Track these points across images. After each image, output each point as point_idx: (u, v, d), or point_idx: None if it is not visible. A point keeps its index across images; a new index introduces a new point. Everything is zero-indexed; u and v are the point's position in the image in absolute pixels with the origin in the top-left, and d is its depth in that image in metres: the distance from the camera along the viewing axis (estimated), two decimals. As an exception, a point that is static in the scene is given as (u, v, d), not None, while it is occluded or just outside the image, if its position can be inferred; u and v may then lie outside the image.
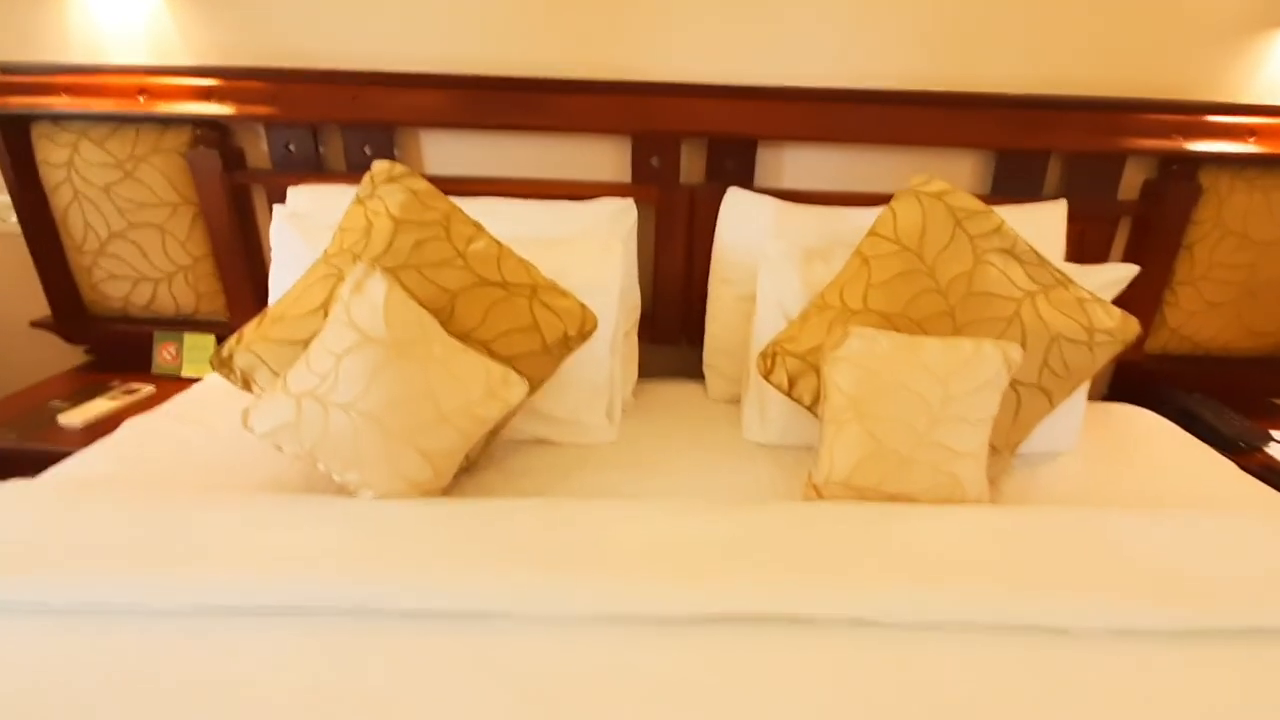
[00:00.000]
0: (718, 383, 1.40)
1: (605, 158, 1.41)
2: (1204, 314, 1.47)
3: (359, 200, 1.05)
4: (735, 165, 1.40)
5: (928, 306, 1.06)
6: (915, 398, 0.96)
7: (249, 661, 0.71)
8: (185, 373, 1.48)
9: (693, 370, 1.47)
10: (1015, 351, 0.97)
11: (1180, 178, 1.37)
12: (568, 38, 1.34)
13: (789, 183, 1.44)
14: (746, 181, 1.40)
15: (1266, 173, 1.36)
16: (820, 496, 1.02)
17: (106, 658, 0.71)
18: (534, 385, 1.08)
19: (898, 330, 1.06)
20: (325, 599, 0.77)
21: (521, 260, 1.09)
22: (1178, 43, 1.33)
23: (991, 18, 1.32)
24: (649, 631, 0.77)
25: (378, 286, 0.92)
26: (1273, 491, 1.15)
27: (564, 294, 1.09)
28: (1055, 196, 1.38)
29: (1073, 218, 1.38)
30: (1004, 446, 1.09)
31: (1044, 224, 1.34)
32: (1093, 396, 1.55)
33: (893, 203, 1.14)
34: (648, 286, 1.48)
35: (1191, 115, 1.34)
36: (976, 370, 0.96)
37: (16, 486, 0.97)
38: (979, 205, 1.11)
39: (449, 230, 1.04)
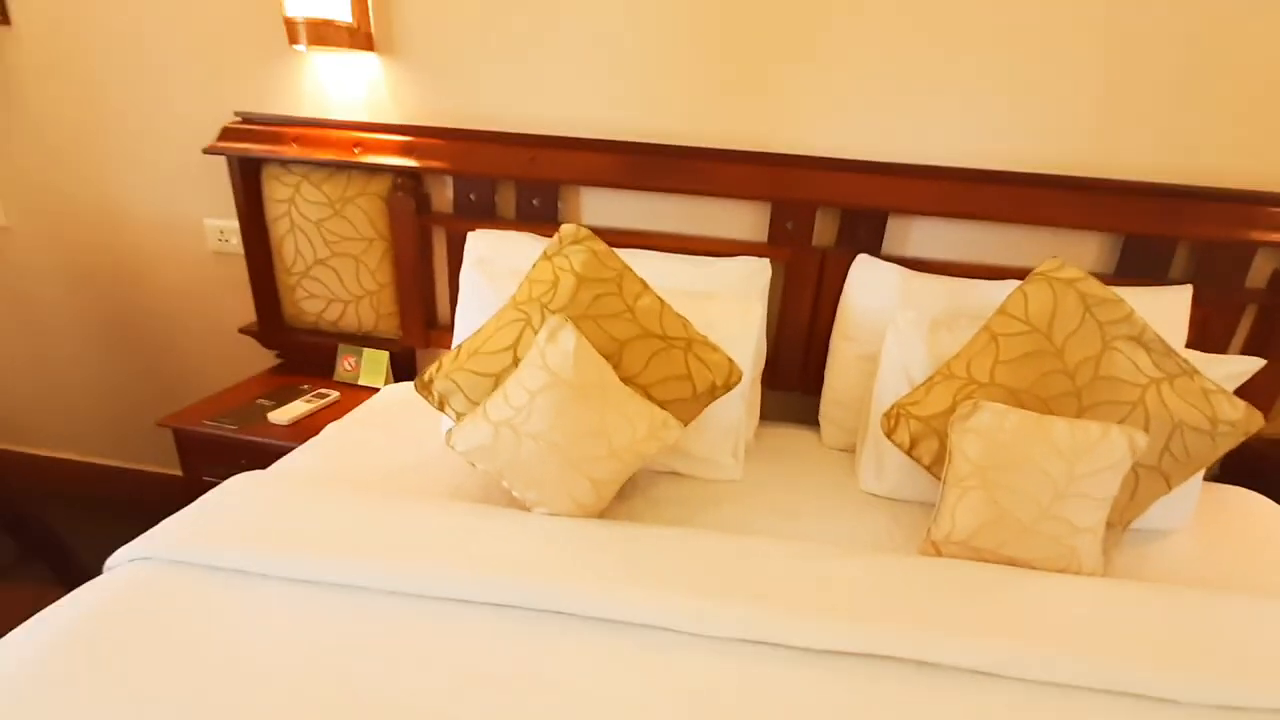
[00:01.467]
0: (833, 431, 1.51)
1: (745, 219, 1.56)
2: (1332, 404, 1.47)
3: (547, 256, 1.23)
4: (865, 232, 1.51)
5: (1054, 386, 1.14)
6: (1041, 473, 1.04)
7: (456, 640, 0.88)
8: (361, 381, 1.71)
9: (806, 417, 1.59)
10: (1141, 438, 1.04)
11: (1317, 269, 1.39)
12: (718, 112, 1.50)
13: (914, 250, 1.54)
14: (875, 247, 1.51)
15: (1405, 270, 1.36)
16: (938, 553, 1.11)
17: (345, 623, 0.89)
18: (684, 425, 1.23)
19: (1023, 406, 1.14)
20: (520, 598, 0.93)
21: (679, 316, 1.24)
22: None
23: (1127, 108, 1.39)
24: (786, 656, 0.89)
25: (569, 337, 1.09)
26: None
27: (714, 348, 1.24)
28: (1181, 281, 1.43)
29: (1197, 303, 1.43)
30: (1118, 522, 1.15)
31: (1168, 308, 1.39)
32: (1205, 476, 1.58)
33: (1024, 285, 1.22)
34: (772, 336, 1.61)
35: (1327, 209, 1.36)
36: (1102, 453, 1.03)
37: (254, 477, 1.19)
38: (1109, 293, 1.18)
39: (621, 286, 1.21)
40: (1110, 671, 0.87)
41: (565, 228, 1.24)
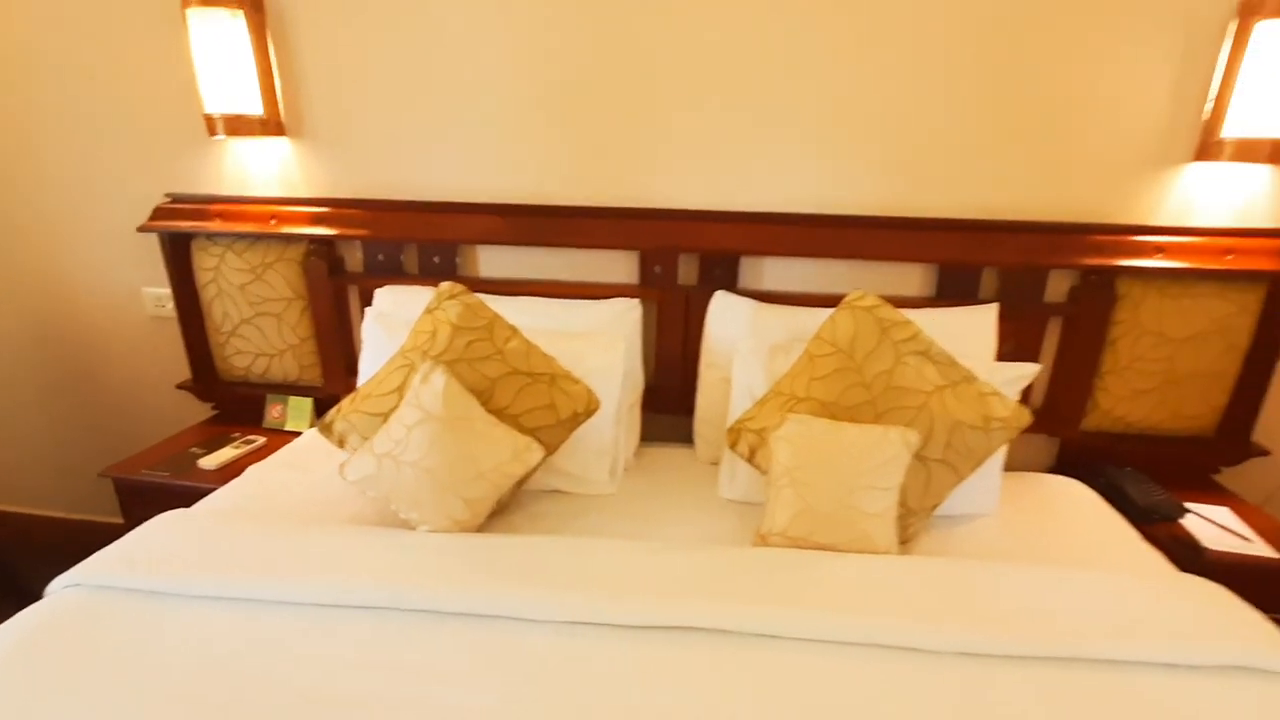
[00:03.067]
0: (704, 448, 1.71)
1: (619, 266, 1.77)
2: (1132, 399, 1.69)
3: (428, 310, 1.43)
4: (722, 272, 1.73)
5: (855, 397, 1.36)
6: (836, 470, 1.25)
7: (340, 640, 1.05)
8: (288, 427, 1.88)
9: (686, 436, 1.78)
10: (913, 436, 1.25)
11: (1098, 286, 1.63)
12: (592, 175, 1.72)
13: (768, 285, 1.76)
14: (732, 285, 1.73)
15: (1175, 283, 1.60)
16: (765, 544, 1.31)
17: (263, 633, 1.06)
18: (551, 449, 1.43)
19: (833, 416, 1.35)
20: (394, 601, 1.11)
21: (545, 355, 1.44)
22: (1094, 176, 1.60)
23: (937, 157, 1.63)
24: (610, 633, 1.07)
25: (439, 379, 1.28)
26: (1159, 556, 1.37)
27: (575, 381, 1.44)
28: (990, 301, 1.66)
29: (1008, 318, 1.66)
30: (919, 509, 1.35)
31: (978, 324, 1.62)
32: (1038, 469, 1.80)
33: (834, 313, 1.44)
34: (651, 367, 1.82)
35: (1105, 235, 1.60)
36: (882, 449, 1.24)
37: (181, 514, 1.36)
38: (901, 316, 1.41)
39: (492, 333, 1.41)
40: (872, 629, 1.06)
41: (442, 285, 1.44)
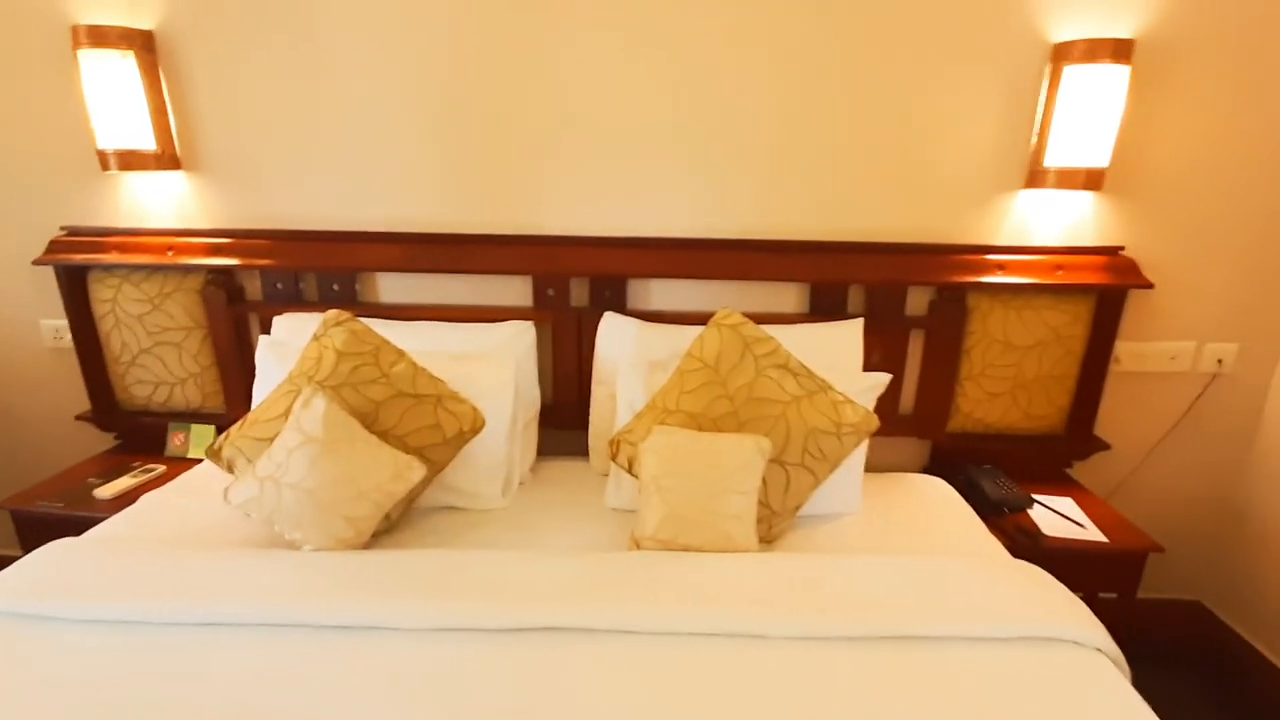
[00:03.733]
0: (596, 460, 1.79)
1: (514, 290, 1.86)
2: (988, 402, 1.85)
3: (315, 337, 1.49)
4: (612, 294, 1.83)
5: (720, 408, 1.47)
6: (697, 476, 1.35)
7: (222, 658, 1.09)
8: (190, 454, 1.90)
9: (586, 451, 1.87)
10: (765, 442, 1.37)
11: (951, 301, 1.79)
12: (485, 204, 1.81)
13: (655, 305, 1.87)
14: (621, 306, 1.84)
15: (1016, 296, 1.77)
16: (639, 547, 1.40)
17: (138, 654, 1.09)
18: (439, 466, 1.50)
19: (700, 426, 1.46)
20: (276, 618, 1.15)
21: (432, 377, 1.51)
22: (943, 202, 1.76)
23: (804, 185, 1.77)
24: (485, 638, 1.14)
25: (319, 403, 1.34)
26: (998, 545, 1.51)
27: (461, 401, 1.51)
28: (858, 315, 1.80)
29: (874, 331, 1.81)
30: (782, 510, 1.46)
31: (845, 337, 1.75)
32: (913, 469, 1.94)
33: (703, 331, 1.56)
34: (549, 385, 1.90)
35: (955, 255, 1.76)
36: (738, 456, 1.35)
37: (66, 542, 1.38)
38: (762, 333, 1.53)
39: (378, 357, 1.47)
40: (721, 620, 1.15)
41: (329, 313, 1.51)
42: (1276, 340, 1.84)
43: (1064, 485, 1.87)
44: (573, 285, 1.84)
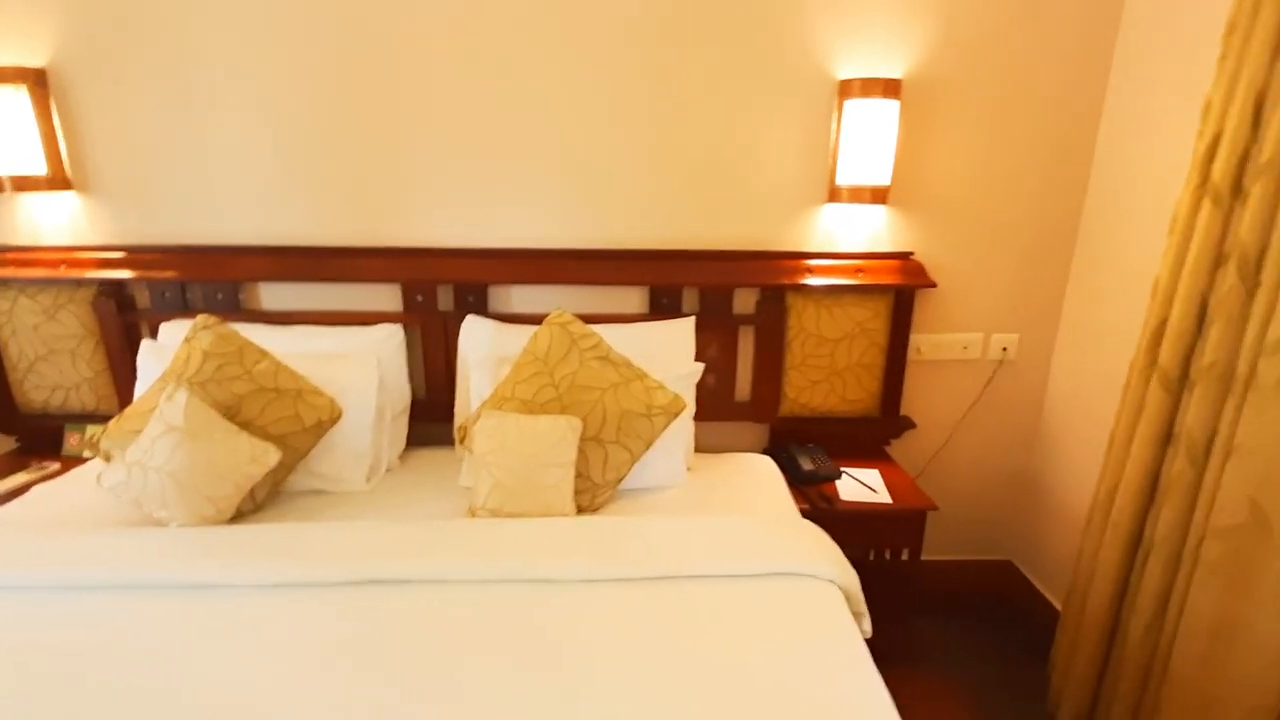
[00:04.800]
0: (459, 447, 2.00)
1: (386, 296, 2.06)
2: (810, 389, 2.12)
3: (186, 340, 1.68)
4: (475, 299, 2.05)
5: (546, 395, 1.69)
6: (518, 453, 1.57)
7: (93, 612, 1.27)
8: (85, 454, 2.05)
9: (452, 440, 2.08)
10: (576, 421, 1.60)
11: (774, 300, 2.05)
12: (358, 217, 2.01)
13: (516, 308, 2.09)
14: (484, 309, 2.06)
15: (826, 295, 2.04)
16: (474, 516, 1.61)
17: (14, 613, 1.27)
18: (301, 453, 1.69)
19: (530, 411, 1.68)
20: (138, 580, 1.34)
21: (293, 373, 1.71)
22: (763, 214, 2.03)
23: (643, 200, 2.01)
24: (316, 591, 1.34)
25: (182, 396, 1.53)
26: (793, 507, 1.77)
27: (320, 394, 1.71)
28: (691, 314, 2.05)
29: (708, 328, 2.06)
30: (603, 483, 1.69)
31: (679, 334, 2.00)
32: (755, 449, 2.18)
33: (537, 329, 1.78)
34: (421, 382, 2.11)
35: (774, 260, 2.03)
36: (552, 434, 1.58)
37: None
38: (587, 330, 1.76)
39: (242, 357, 1.67)
40: (516, 568, 1.37)
41: (198, 319, 1.69)
42: (1050, 330, 2.15)
43: (880, 460, 2.14)
44: (440, 291, 2.05)
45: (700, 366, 1.89)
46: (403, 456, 2.00)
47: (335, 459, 1.79)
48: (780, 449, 2.10)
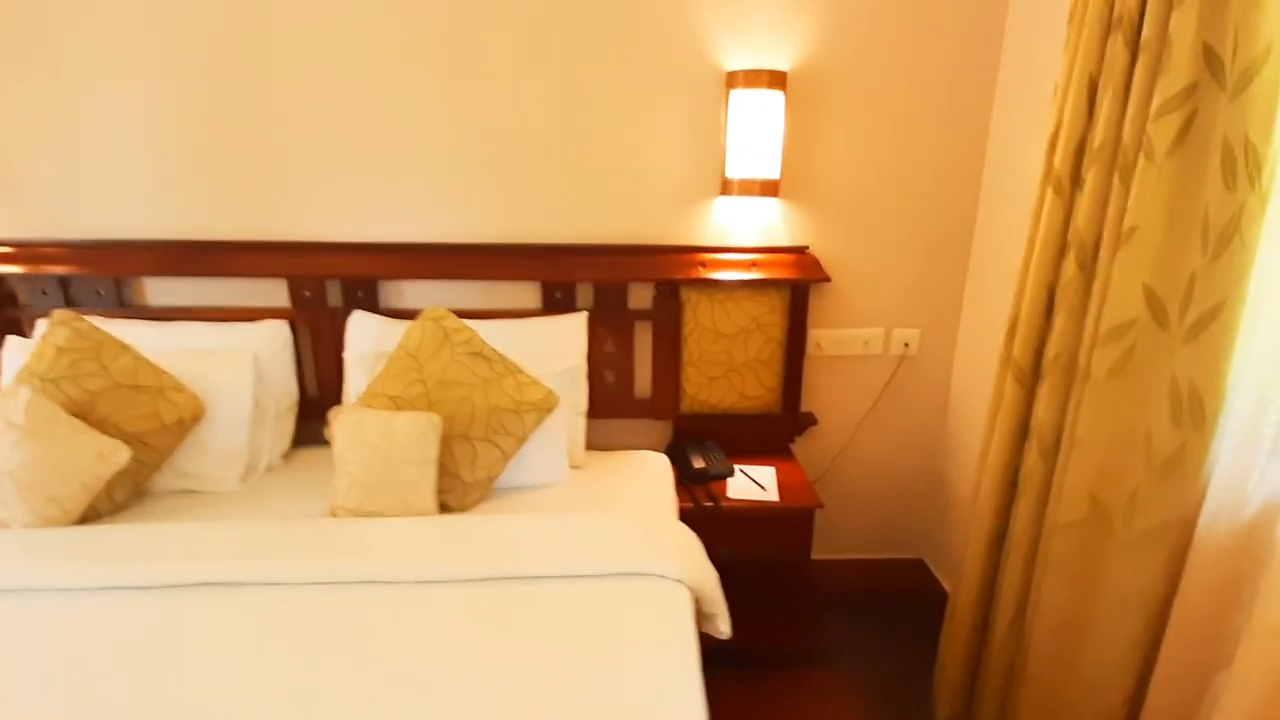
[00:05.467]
0: (344, 447, 1.97)
1: (274, 292, 2.02)
2: (709, 385, 2.09)
3: (43, 336, 1.64)
4: (365, 294, 2.01)
5: (414, 391, 1.66)
6: (374, 449, 1.54)
7: None
8: (-33, 453, 2.00)
9: (347, 438, 2.04)
10: (434, 418, 1.56)
11: (669, 295, 2.02)
12: (244, 211, 1.97)
13: (409, 303, 2.06)
14: (374, 305, 2.02)
15: (720, 290, 2.01)
16: (334, 515, 1.57)
17: None
18: (162, 452, 1.65)
19: (398, 408, 1.65)
20: None
21: (155, 369, 1.67)
22: (654, 208, 1.99)
23: (534, 195, 1.98)
24: (144, 595, 1.30)
25: (24, 393, 1.49)
26: (672, 506, 1.74)
27: (182, 390, 1.67)
28: (584, 310, 2.02)
29: (603, 324, 2.03)
30: (473, 481, 1.66)
31: (571, 329, 1.97)
32: (659, 448, 2.14)
33: (412, 324, 1.75)
34: (312, 379, 2.07)
35: (667, 255, 2.00)
36: (409, 431, 1.54)
37: None
38: (461, 325, 1.73)
39: (99, 353, 1.63)
40: (353, 569, 1.33)
41: (55, 314, 1.65)
42: (951, 325, 2.12)
43: (782, 458, 2.10)
44: (330, 287, 2.02)
45: (578, 361, 1.86)
46: (287, 455, 1.96)
47: (205, 458, 1.75)
48: (677, 447, 2.07)
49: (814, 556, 2.13)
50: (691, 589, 1.38)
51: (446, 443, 1.62)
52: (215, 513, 1.66)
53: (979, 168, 1.98)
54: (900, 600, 2.30)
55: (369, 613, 1.26)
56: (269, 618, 1.25)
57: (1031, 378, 1.36)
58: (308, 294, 2.01)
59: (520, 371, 1.72)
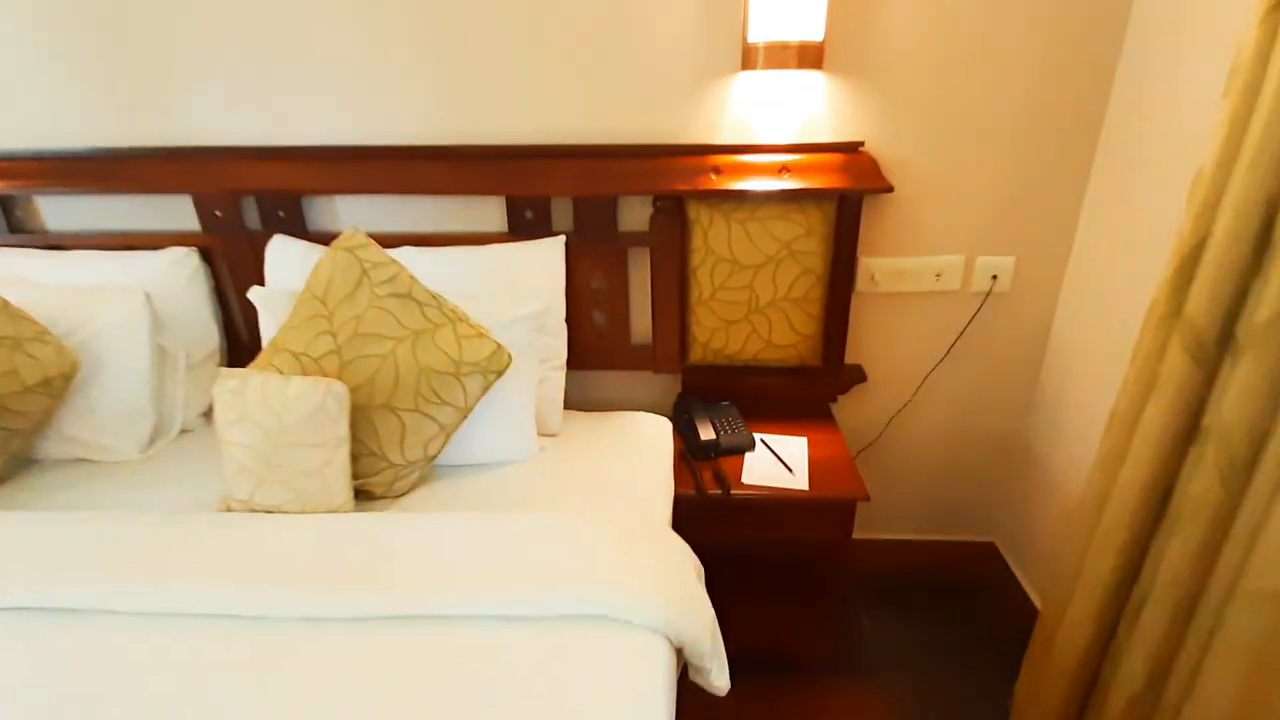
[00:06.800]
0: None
1: (178, 212, 1.63)
2: (726, 330, 1.62)
3: None
4: (288, 214, 1.60)
5: (321, 346, 1.26)
6: (262, 426, 1.16)
7: None
8: None
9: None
10: (338, 387, 1.17)
11: (669, 213, 1.52)
12: (135, 113, 1.55)
13: (345, 226, 1.63)
14: (300, 227, 1.61)
15: (739, 206, 1.50)
16: (229, 509, 1.23)
17: None
18: (33, 417, 1.33)
19: (303, 369, 1.26)
20: None
21: (15, 315, 1.32)
22: (653, 93, 1.47)
23: (494, 83, 1.47)
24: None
25: None
26: (662, 499, 1.33)
27: (46, 342, 1.33)
28: (562, 233, 1.56)
29: (588, 251, 1.57)
30: (405, 462, 1.28)
31: (544, 258, 1.52)
32: (661, 407, 1.72)
33: (323, 256, 1.33)
34: (242, 321, 1.71)
35: (669, 158, 1.49)
36: (303, 403, 1.15)
37: None
38: (383, 257, 1.30)
39: (-67, 295, 1.28)
40: (198, 598, 0.99)
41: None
42: (1059, 252, 1.56)
43: (818, 424, 1.65)
44: (247, 205, 1.61)
45: (553, 300, 1.42)
46: (209, 414, 1.63)
47: (96, 421, 1.43)
48: (683, 408, 1.63)
49: (854, 535, 1.71)
50: (673, 640, 0.99)
51: (364, 414, 1.24)
52: (107, 490, 1.36)
53: (1119, 24, 1.36)
54: (963, 593, 1.87)
55: (213, 658, 0.93)
56: (110, 655, 0.93)
57: (1215, 351, 0.85)
58: (219, 214, 1.61)
59: (462, 320, 1.29)
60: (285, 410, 1.15)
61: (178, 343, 1.56)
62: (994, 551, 1.90)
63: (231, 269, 1.65)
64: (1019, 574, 1.81)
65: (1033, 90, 1.42)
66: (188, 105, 1.55)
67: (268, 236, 1.58)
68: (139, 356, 1.46)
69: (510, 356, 1.28)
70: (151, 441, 1.50)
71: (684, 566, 1.11)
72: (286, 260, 1.54)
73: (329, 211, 1.63)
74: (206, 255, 1.65)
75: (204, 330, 1.62)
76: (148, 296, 1.48)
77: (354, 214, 1.62)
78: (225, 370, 1.20)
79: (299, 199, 1.59)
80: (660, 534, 1.17)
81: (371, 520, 1.15)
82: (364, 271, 1.29)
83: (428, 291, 1.30)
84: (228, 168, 1.56)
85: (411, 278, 1.29)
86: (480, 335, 1.28)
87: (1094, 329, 1.49)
